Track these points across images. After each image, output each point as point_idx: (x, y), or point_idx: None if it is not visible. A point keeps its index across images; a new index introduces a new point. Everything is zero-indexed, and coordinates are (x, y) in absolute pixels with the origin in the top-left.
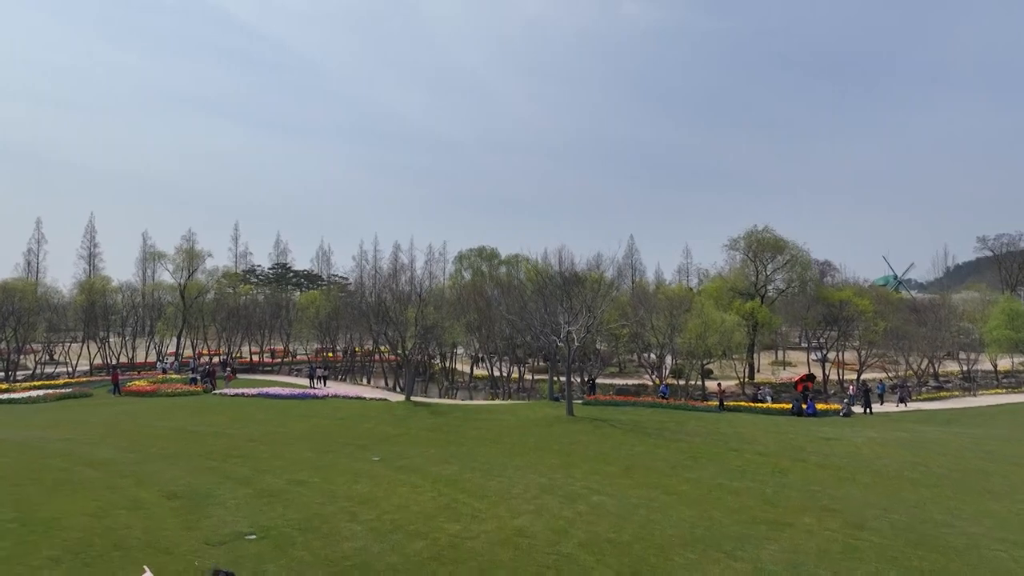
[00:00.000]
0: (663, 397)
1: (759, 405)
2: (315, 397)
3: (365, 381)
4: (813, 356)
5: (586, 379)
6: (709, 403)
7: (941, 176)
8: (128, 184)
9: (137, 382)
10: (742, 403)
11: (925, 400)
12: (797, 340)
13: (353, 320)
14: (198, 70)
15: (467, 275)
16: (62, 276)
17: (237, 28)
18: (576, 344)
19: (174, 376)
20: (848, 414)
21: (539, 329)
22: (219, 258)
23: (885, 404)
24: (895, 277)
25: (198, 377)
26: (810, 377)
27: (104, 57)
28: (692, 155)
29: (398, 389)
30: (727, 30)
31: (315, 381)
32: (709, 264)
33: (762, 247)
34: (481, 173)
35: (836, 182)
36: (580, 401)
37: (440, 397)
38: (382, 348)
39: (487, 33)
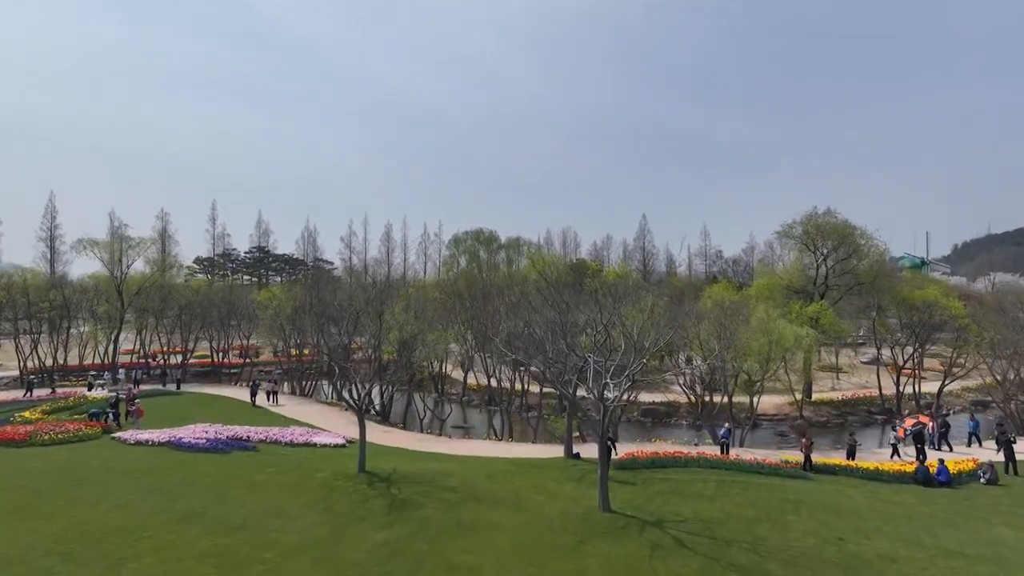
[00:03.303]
0: (723, 450)
1: (860, 466)
2: (243, 446)
3: (336, 396)
4: (863, 358)
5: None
6: (787, 460)
7: (937, 161)
8: (109, 162)
9: (20, 414)
10: (833, 460)
11: None
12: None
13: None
14: (193, 46)
15: (463, 261)
16: (23, 260)
17: (233, 5)
18: (613, 404)
19: (92, 397)
20: (992, 480)
21: (556, 377)
22: (196, 240)
23: (972, 445)
24: (923, 261)
25: (116, 400)
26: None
27: (93, 30)
28: (694, 138)
29: (374, 411)
30: (726, 9)
31: (264, 397)
32: (720, 248)
33: (824, 235)
34: (481, 158)
35: (832, 162)
36: (610, 455)
37: (422, 426)
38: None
39: (488, 12)
